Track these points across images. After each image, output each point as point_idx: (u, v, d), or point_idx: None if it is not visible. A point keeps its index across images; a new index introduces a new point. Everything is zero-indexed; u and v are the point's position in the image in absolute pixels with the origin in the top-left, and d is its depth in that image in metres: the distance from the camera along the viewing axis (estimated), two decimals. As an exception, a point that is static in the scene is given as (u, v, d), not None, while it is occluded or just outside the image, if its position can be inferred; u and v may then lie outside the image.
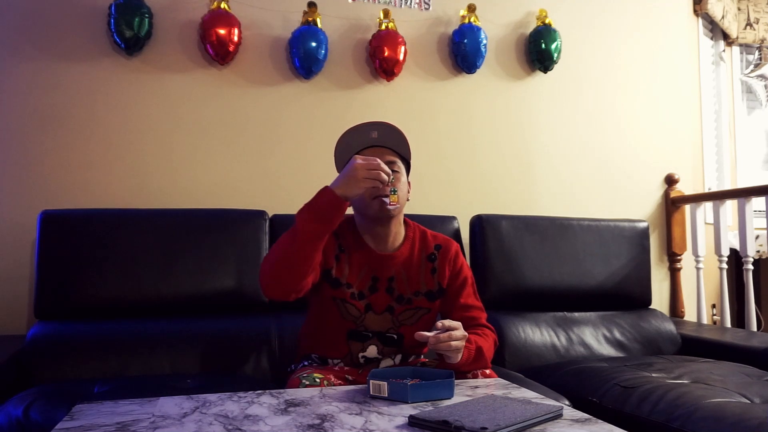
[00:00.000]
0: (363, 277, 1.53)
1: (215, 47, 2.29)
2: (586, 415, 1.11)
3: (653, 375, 1.85)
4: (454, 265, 1.60)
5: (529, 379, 1.84)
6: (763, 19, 3.91)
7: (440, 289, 1.58)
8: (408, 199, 1.57)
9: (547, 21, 2.71)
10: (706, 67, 3.58)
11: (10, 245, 2.13)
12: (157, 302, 1.97)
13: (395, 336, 1.55)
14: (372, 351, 1.54)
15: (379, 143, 1.53)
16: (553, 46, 2.68)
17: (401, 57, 2.49)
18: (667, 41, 3.01)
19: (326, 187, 1.36)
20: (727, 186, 3.67)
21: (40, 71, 2.21)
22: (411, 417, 1.04)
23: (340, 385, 1.40)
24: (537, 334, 2.23)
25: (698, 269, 2.82)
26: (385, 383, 1.19)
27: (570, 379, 1.91)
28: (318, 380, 1.38)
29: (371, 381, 1.21)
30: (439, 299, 1.58)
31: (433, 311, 1.59)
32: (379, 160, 1.37)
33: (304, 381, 1.37)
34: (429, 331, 1.56)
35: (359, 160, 1.35)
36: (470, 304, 1.59)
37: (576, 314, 2.36)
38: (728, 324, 2.72)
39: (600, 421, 1.07)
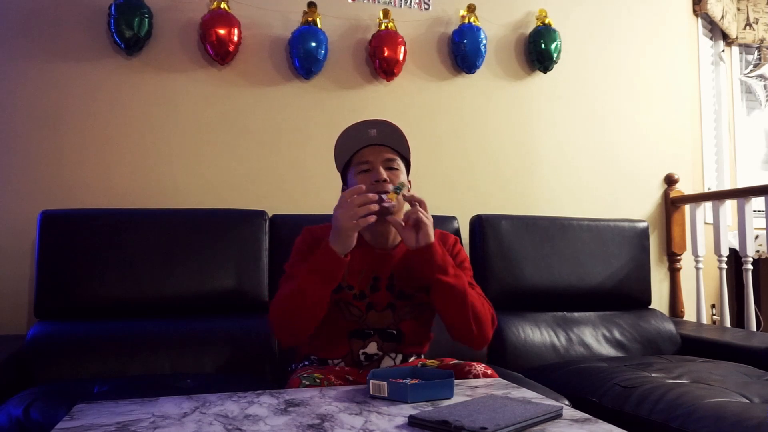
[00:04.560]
0: (363, 277, 1.53)
1: (215, 47, 2.29)
2: (586, 415, 1.11)
3: (653, 375, 1.85)
4: (452, 252, 1.60)
5: (529, 379, 1.84)
6: (762, 19, 3.91)
7: None
8: None
9: (546, 21, 2.71)
10: (706, 67, 3.58)
11: (10, 245, 2.13)
12: (157, 302, 1.97)
13: (395, 332, 1.55)
14: (372, 347, 1.54)
15: (377, 141, 1.53)
16: (552, 46, 2.68)
17: (401, 57, 2.49)
18: (667, 41, 3.01)
19: (327, 245, 1.39)
20: (727, 186, 3.67)
21: (40, 71, 2.21)
22: (411, 417, 1.03)
23: (340, 385, 1.40)
24: (537, 334, 2.23)
25: (698, 269, 2.83)
26: (385, 383, 1.19)
27: (570, 379, 1.91)
28: (318, 380, 1.38)
29: (371, 381, 1.21)
30: None
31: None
32: (363, 187, 1.40)
33: (304, 381, 1.37)
34: (428, 328, 1.59)
35: (337, 211, 1.39)
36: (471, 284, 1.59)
37: (576, 314, 2.36)
38: (728, 324, 2.72)
39: (600, 421, 1.07)
